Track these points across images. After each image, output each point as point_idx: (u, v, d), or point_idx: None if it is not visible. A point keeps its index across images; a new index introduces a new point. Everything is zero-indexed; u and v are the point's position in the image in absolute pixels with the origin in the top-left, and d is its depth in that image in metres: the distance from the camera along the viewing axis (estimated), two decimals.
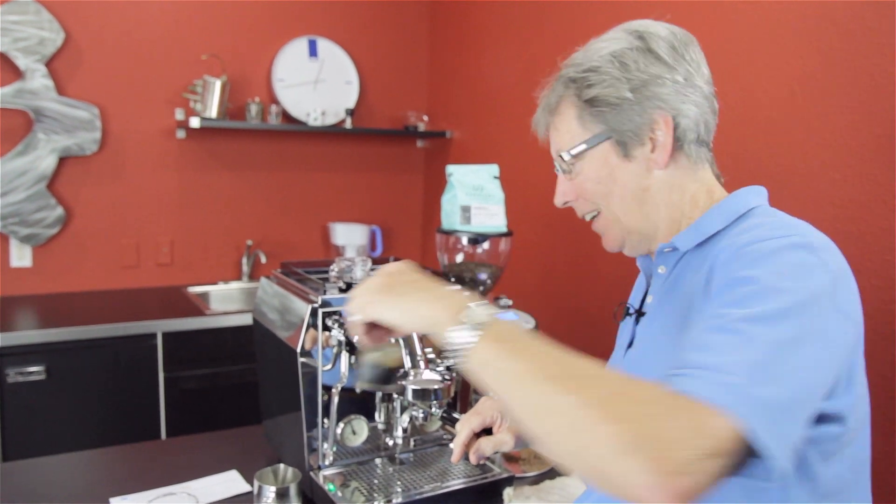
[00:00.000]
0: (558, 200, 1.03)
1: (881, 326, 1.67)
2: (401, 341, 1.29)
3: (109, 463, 1.56)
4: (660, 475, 0.56)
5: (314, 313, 1.28)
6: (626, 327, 1.08)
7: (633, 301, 1.10)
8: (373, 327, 0.87)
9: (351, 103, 3.39)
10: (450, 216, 1.77)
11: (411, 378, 1.22)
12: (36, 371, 2.41)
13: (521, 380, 0.66)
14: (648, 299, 1.02)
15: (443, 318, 0.74)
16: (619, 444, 0.57)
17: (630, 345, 1.03)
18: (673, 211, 0.97)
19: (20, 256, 2.89)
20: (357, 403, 1.35)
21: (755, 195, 0.97)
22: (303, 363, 1.29)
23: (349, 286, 1.29)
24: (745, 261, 0.78)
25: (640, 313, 1.04)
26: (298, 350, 1.27)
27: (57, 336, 2.45)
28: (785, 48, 1.82)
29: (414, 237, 3.73)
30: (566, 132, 0.99)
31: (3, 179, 2.77)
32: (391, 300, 0.81)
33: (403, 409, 1.35)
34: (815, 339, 0.70)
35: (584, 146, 0.97)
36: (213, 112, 2.99)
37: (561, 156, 0.99)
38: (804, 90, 1.79)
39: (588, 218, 1.03)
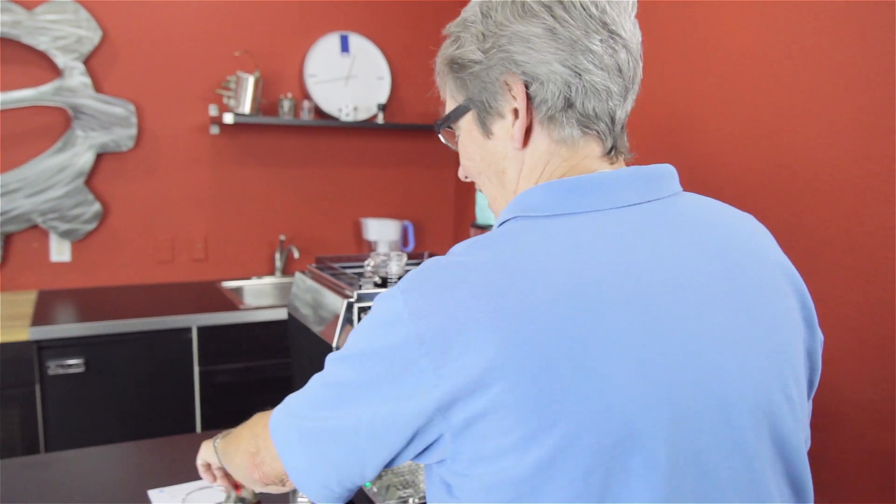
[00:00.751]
0: (460, 174, 0.91)
1: (881, 326, 1.64)
2: None
3: (146, 455, 1.58)
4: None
5: (349, 308, 1.28)
6: None
7: None
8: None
9: (383, 98, 3.39)
10: (484, 210, 1.75)
11: None
12: (75, 364, 2.45)
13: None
14: None
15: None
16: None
17: None
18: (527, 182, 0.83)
19: (59, 251, 2.94)
20: None
21: (537, 196, 0.75)
22: None
23: (384, 281, 1.29)
24: None
25: None
26: (334, 344, 1.27)
27: (95, 330, 2.48)
28: (785, 47, 1.78)
29: (446, 232, 3.72)
30: (447, 100, 0.86)
31: (43, 176, 2.82)
32: None
33: None
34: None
35: (448, 119, 0.84)
36: (246, 108, 3.00)
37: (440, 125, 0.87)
38: (804, 90, 1.75)
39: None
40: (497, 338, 0.62)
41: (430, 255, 1.69)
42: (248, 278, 3.24)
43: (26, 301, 2.72)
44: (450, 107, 0.84)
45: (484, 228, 1.73)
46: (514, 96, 0.75)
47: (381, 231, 3.35)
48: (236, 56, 3.08)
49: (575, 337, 0.62)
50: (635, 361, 0.64)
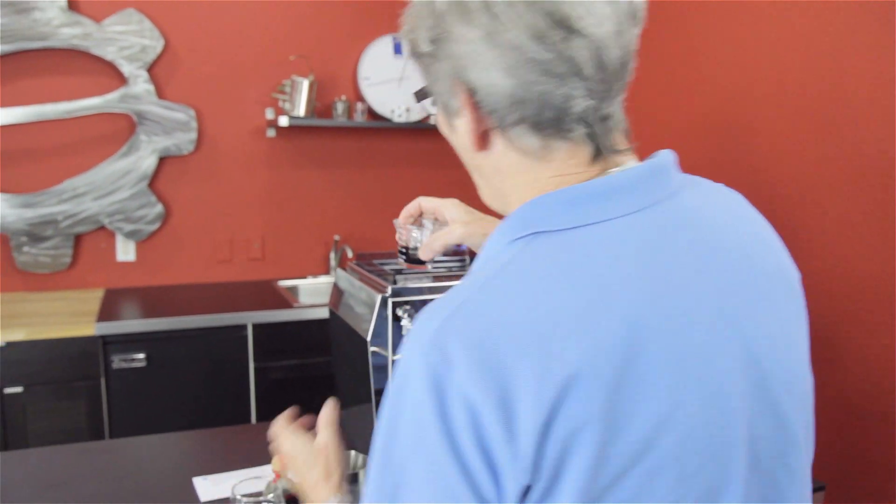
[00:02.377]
0: None
1: (881, 326, 1.59)
2: None
3: (196, 444, 1.65)
4: None
5: (384, 302, 1.30)
6: None
7: None
8: None
9: None
10: None
11: None
12: (138, 358, 2.55)
13: None
14: None
15: None
16: None
17: None
18: (510, 203, 0.73)
19: (125, 251, 3.07)
20: None
21: (545, 208, 0.67)
22: (373, 353, 1.31)
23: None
24: None
25: None
26: (368, 339, 1.30)
27: (156, 326, 2.59)
28: (785, 47, 1.73)
29: None
30: None
31: (109, 179, 2.95)
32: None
33: None
34: None
35: (422, 95, 0.77)
36: (301, 111, 3.07)
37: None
38: (804, 90, 1.70)
39: None
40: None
41: (471, 251, 1.70)
42: (304, 277, 3.31)
43: (94, 298, 2.86)
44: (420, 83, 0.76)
45: None
46: (460, 101, 0.68)
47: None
48: (291, 60, 3.16)
49: (636, 355, 0.60)
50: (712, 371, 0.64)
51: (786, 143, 1.96)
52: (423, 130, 3.46)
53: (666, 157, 0.72)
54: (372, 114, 3.32)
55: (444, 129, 0.76)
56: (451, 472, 0.57)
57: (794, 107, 1.93)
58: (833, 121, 1.76)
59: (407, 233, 1.23)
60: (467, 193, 3.47)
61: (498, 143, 0.69)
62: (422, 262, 1.19)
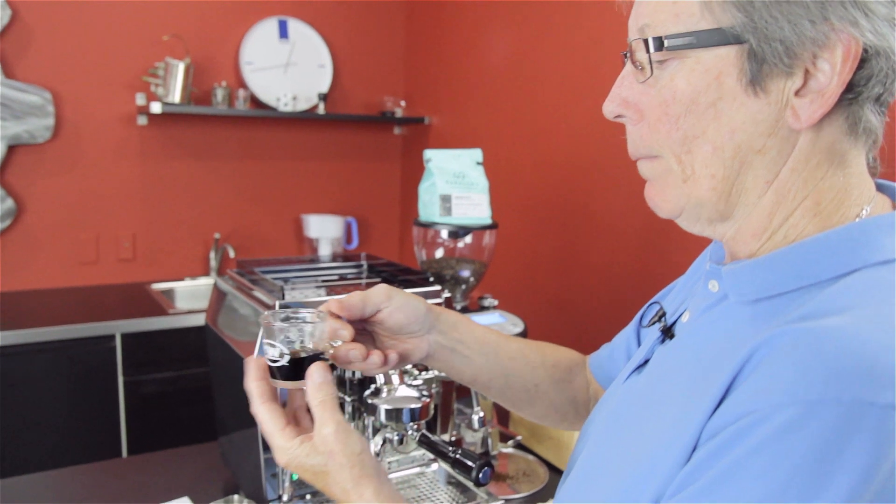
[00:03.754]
0: (609, 109, 0.64)
1: None
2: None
3: (59, 487, 1.39)
4: None
5: None
6: (648, 338, 0.76)
7: (672, 304, 0.78)
8: None
9: (324, 88, 3.21)
10: (428, 207, 1.60)
11: (384, 395, 1.07)
12: None
13: None
14: (685, 316, 0.70)
15: None
16: None
17: (642, 365, 0.72)
18: (777, 204, 0.58)
19: None
20: None
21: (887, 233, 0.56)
22: None
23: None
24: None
25: (666, 332, 0.72)
26: None
27: (5, 340, 2.26)
28: None
29: (392, 229, 3.56)
30: (672, 2, 0.58)
31: None
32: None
33: (376, 431, 1.19)
34: None
35: (691, 39, 0.56)
36: (176, 97, 2.80)
37: (647, 40, 0.58)
38: None
39: (640, 162, 0.65)
40: None
41: (368, 256, 1.53)
42: (181, 279, 3.02)
43: None
44: (688, 20, 0.56)
45: (427, 226, 1.58)
46: (831, 57, 0.53)
47: (323, 228, 3.17)
48: (165, 40, 2.86)
49: None
50: None
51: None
52: (311, 120, 3.24)
53: None
54: (255, 101, 3.07)
55: (686, 89, 0.57)
56: None
57: None
58: None
59: (280, 333, 0.75)
60: (355, 187, 3.30)
61: (833, 121, 0.57)
62: (301, 377, 0.74)
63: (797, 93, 0.55)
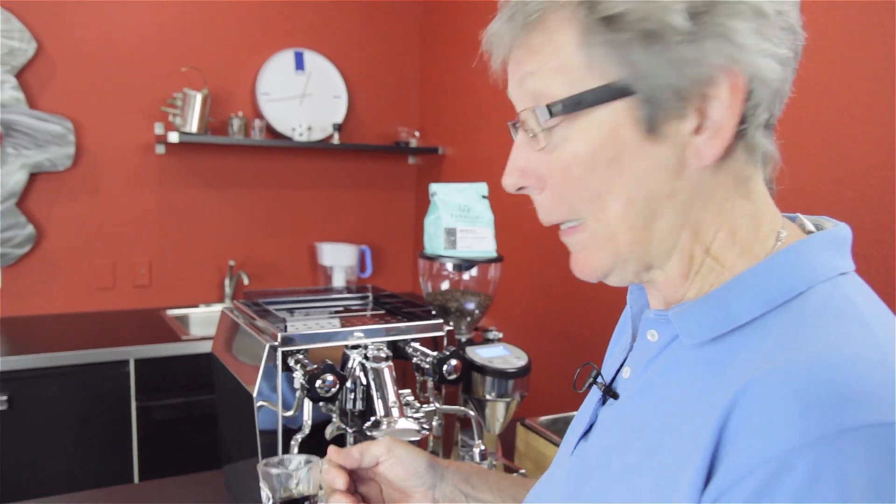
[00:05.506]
0: (509, 182, 0.62)
1: None
2: (372, 382, 1.15)
3: None
4: None
5: (273, 352, 1.13)
6: (589, 401, 0.72)
7: (609, 364, 0.74)
8: None
9: (339, 118, 3.26)
10: (433, 239, 1.62)
11: (384, 427, 1.08)
12: None
13: None
14: (625, 372, 0.67)
15: None
16: None
17: (587, 431, 0.69)
18: (694, 242, 0.59)
19: None
20: (323, 454, 1.20)
21: (834, 251, 0.58)
22: (260, 408, 1.14)
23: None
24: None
25: (608, 392, 0.67)
26: (255, 394, 1.13)
27: (21, 363, 2.30)
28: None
29: (405, 258, 3.58)
30: (552, 65, 0.56)
31: None
32: None
33: None
34: None
35: (580, 100, 0.55)
36: (193, 126, 2.85)
37: (536, 109, 0.57)
38: (803, 89, 1.68)
39: (561, 226, 0.63)
40: None
41: (374, 288, 1.55)
42: (195, 306, 3.06)
43: None
44: (573, 81, 0.56)
45: (432, 259, 1.60)
46: (719, 93, 0.54)
47: (337, 256, 3.20)
48: (183, 72, 2.93)
49: None
50: None
51: (785, 142, 1.92)
52: (325, 150, 3.29)
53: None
54: (271, 131, 3.13)
55: (584, 147, 0.56)
56: None
57: (792, 105, 1.90)
58: (832, 121, 1.73)
59: (268, 479, 0.88)
60: (369, 216, 3.30)
61: (735, 152, 0.57)
62: None
63: (696, 132, 0.55)
